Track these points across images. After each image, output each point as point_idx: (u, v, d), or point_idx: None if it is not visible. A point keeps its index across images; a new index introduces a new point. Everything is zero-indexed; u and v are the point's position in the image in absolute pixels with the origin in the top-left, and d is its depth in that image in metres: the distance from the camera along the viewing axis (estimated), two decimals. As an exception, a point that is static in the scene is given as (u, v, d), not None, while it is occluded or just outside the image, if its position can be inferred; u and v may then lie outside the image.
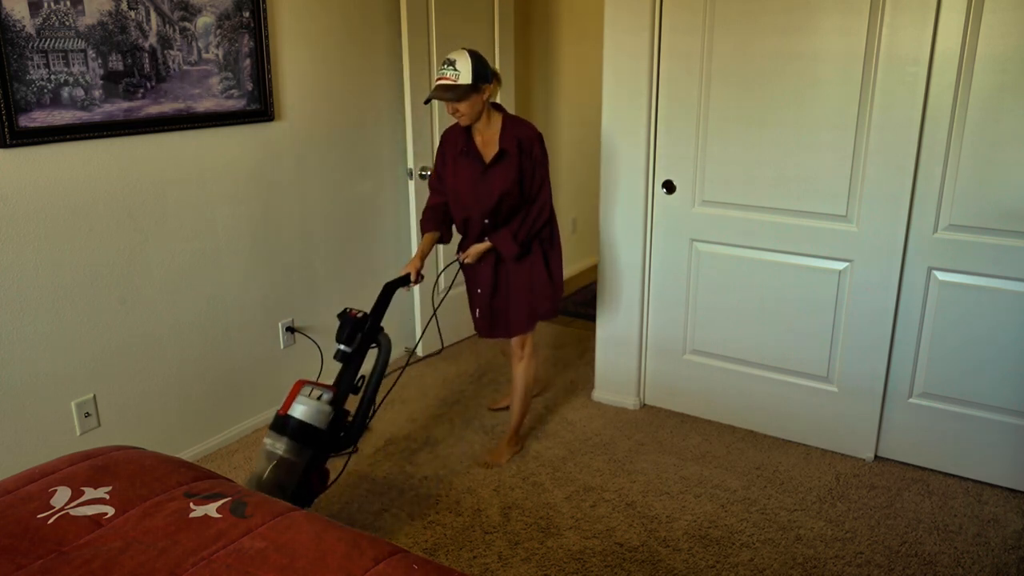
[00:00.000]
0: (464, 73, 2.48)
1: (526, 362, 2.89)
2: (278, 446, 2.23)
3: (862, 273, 2.75)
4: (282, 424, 2.24)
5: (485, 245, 2.71)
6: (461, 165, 2.70)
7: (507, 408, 3.27)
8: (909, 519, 2.54)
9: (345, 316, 2.37)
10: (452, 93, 2.49)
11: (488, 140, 2.67)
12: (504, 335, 2.87)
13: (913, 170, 2.58)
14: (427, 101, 2.56)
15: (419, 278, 2.64)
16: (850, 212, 2.72)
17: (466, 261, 2.77)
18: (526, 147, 2.63)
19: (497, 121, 2.66)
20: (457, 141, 2.71)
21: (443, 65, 2.52)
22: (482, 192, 2.67)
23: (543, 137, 2.69)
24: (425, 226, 2.79)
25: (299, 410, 2.24)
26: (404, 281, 2.60)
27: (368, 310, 2.45)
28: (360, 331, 2.37)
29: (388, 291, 2.50)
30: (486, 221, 2.71)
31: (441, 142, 2.79)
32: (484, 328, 2.90)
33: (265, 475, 2.21)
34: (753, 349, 3.04)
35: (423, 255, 2.69)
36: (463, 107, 2.55)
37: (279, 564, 1.41)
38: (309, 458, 2.27)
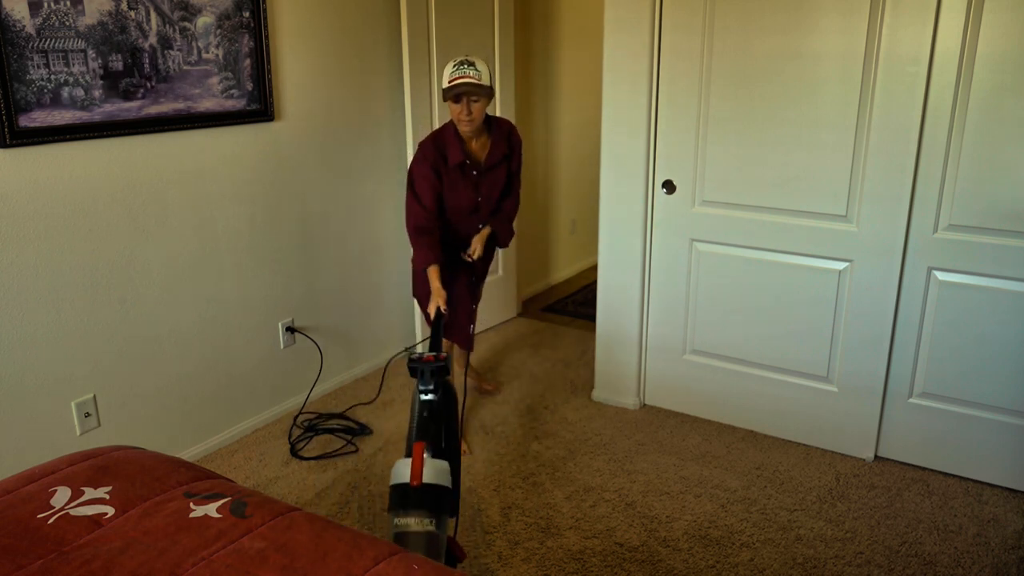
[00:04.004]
0: (484, 75, 2.53)
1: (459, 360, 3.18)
2: (427, 523, 1.76)
3: (862, 273, 2.75)
4: (424, 497, 1.78)
5: (486, 231, 2.79)
6: (456, 177, 2.66)
7: (491, 391, 3.44)
8: (909, 519, 2.54)
9: (422, 363, 2.03)
10: (482, 91, 2.51)
11: (480, 145, 2.72)
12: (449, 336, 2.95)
13: (913, 170, 2.58)
14: (458, 96, 2.50)
15: (448, 308, 2.57)
16: (850, 212, 2.72)
17: (477, 256, 2.80)
18: (514, 140, 2.77)
19: (483, 125, 2.71)
20: (448, 153, 2.61)
21: (462, 65, 2.51)
22: (483, 198, 2.74)
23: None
24: (428, 257, 2.59)
25: (434, 475, 1.82)
26: (440, 314, 2.51)
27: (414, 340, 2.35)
28: (444, 376, 2.06)
29: (438, 328, 2.40)
30: (480, 226, 2.84)
31: (423, 159, 2.61)
32: (464, 335, 2.92)
33: None
34: (753, 349, 3.04)
35: (441, 288, 2.56)
36: (478, 109, 2.55)
37: (279, 564, 1.41)
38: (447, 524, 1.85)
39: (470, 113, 2.55)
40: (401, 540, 1.77)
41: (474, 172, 2.69)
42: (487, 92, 2.53)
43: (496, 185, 2.73)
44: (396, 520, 1.79)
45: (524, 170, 4.46)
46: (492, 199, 2.76)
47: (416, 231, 2.62)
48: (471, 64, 2.52)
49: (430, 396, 2.02)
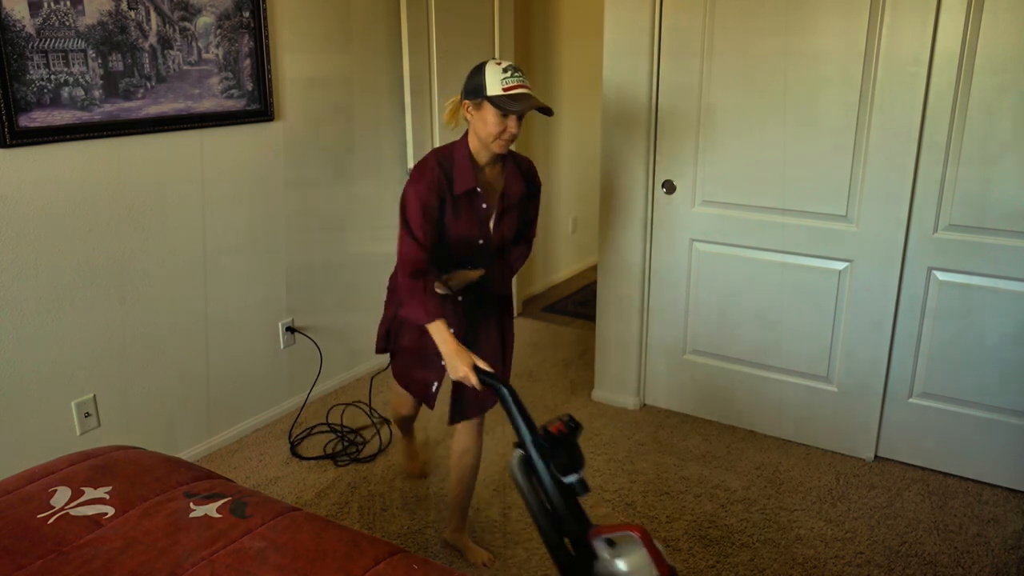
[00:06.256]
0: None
1: (480, 436, 2.30)
2: None
3: (862, 273, 2.75)
4: None
5: (476, 273, 2.15)
6: (464, 206, 2.06)
7: (414, 473, 2.78)
8: (909, 519, 2.54)
9: (551, 436, 1.66)
10: (538, 104, 1.95)
11: (492, 176, 2.12)
12: (478, 412, 2.25)
13: (913, 170, 2.58)
14: (521, 113, 1.93)
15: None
16: (850, 212, 2.72)
17: (451, 283, 2.15)
18: (532, 178, 2.24)
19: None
20: (456, 177, 2.03)
21: (516, 73, 1.94)
22: (492, 235, 2.13)
23: None
24: (432, 308, 1.97)
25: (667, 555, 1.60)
26: (489, 375, 1.96)
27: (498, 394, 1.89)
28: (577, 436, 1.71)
29: (499, 390, 1.87)
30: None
31: (420, 178, 2.00)
32: (462, 407, 2.23)
33: None
34: (753, 349, 3.04)
35: (459, 345, 1.97)
36: (520, 129, 1.99)
37: (279, 564, 1.41)
38: None
39: (513, 133, 1.97)
40: None
41: (483, 205, 2.07)
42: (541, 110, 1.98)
43: (513, 223, 2.18)
44: None
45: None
46: (505, 239, 2.18)
47: (411, 275, 1.98)
48: (520, 73, 1.96)
49: (578, 475, 1.60)
